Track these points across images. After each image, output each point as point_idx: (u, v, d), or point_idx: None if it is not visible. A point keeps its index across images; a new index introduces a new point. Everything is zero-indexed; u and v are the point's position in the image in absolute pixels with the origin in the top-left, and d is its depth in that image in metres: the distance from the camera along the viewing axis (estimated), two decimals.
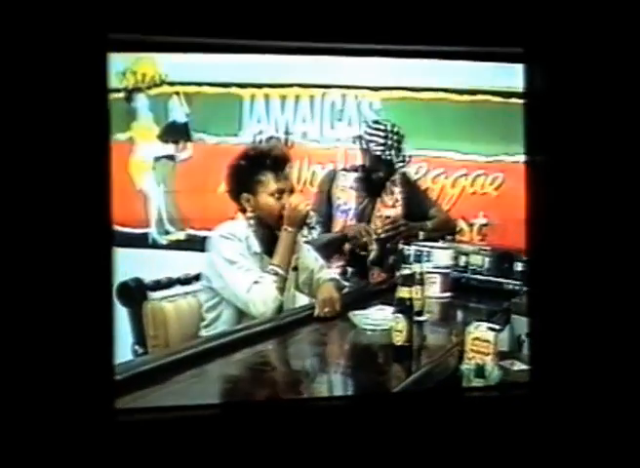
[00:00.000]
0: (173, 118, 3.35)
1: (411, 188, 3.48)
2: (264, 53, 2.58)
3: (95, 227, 2.07)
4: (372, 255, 3.31)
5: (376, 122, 3.44)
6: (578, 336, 2.38)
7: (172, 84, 3.34)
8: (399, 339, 2.40)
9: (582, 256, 2.39)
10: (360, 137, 3.41)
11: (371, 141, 3.37)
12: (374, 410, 2.31)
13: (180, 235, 3.35)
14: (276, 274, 2.76)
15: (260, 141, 3.38)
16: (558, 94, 2.35)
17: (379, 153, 3.36)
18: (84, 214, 2.07)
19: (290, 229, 2.77)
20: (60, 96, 2.03)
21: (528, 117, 2.41)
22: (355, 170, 3.46)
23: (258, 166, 2.81)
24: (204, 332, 2.81)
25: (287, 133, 3.45)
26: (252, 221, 2.83)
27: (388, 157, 3.37)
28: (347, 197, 3.40)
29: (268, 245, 2.85)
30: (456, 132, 3.46)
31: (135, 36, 2.19)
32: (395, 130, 3.38)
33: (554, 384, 2.37)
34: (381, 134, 3.35)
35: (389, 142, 3.34)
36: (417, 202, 3.47)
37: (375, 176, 3.44)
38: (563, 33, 2.33)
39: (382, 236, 3.31)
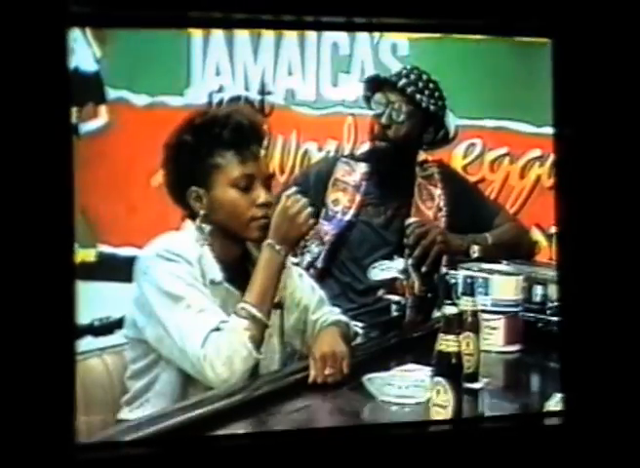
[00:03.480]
0: (74, 64, 2.93)
1: (459, 187, 3.03)
2: (241, 27, 2.70)
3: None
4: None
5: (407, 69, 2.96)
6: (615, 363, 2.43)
7: None
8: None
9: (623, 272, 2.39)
10: (375, 85, 2.88)
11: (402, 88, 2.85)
12: None
13: (89, 255, 2.96)
14: (251, 317, 2.35)
15: (221, 104, 2.93)
16: (589, 68, 2.41)
17: (414, 97, 2.84)
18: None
19: (278, 246, 2.40)
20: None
21: (556, 86, 2.48)
22: (366, 157, 2.94)
23: (209, 141, 2.44)
24: (128, 413, 2.42)
25: (263, 91, 3.06)
26: (207, 230, 2.41)
27: (430, 106, 2.85)
28: (349, 201, 2.96)
29: (235, 269, 2.45)
30: (526, 91, 3.04)
31: (97, 9, 2.28)
32: (432, 78, 2.90)
33: (590, 412, 2.40)
34: (413, 77, 2.87)
35: (426, 92, 2.86)
36: (471, 207, 3.02)
37: (399, 166, 2.92)
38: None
39: (411, 262, 2.85)
